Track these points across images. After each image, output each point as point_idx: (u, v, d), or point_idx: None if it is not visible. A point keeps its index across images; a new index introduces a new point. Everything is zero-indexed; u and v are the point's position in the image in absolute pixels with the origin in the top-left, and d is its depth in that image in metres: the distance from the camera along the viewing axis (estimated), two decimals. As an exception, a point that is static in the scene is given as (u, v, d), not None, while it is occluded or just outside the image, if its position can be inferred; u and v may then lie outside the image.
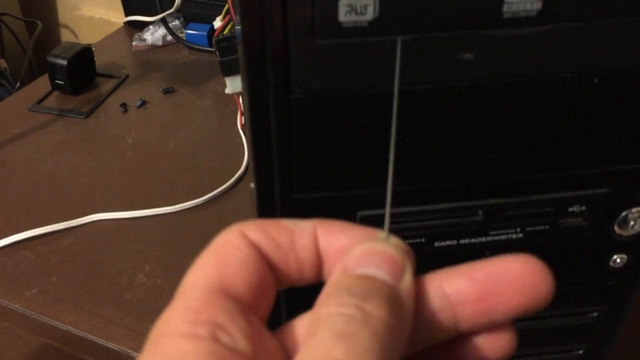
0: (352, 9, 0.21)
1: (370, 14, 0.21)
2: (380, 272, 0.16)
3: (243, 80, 0.24)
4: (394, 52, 0.22)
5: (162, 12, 0.87)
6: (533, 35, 0.22)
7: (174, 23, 0.92)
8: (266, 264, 0.17)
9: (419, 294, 0.17)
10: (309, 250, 0.18)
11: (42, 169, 0.69)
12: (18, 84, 0.97)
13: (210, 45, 0.89)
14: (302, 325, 0.18)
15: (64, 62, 0.77)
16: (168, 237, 0.60)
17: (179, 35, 0.91)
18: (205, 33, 0.90)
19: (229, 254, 0.17)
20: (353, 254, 0.17)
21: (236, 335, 0.15)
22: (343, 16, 0.21)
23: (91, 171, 0.69)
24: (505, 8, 0.21)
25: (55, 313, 0.53)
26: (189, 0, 0.87)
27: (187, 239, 0.60)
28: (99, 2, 1.22)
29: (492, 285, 0.17)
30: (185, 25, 0.92)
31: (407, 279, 0.17)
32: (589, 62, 0.24)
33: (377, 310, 0.15)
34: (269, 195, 0.26)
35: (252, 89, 0.23)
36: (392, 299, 0.16)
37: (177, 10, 0.85)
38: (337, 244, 0.18)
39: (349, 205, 0.27)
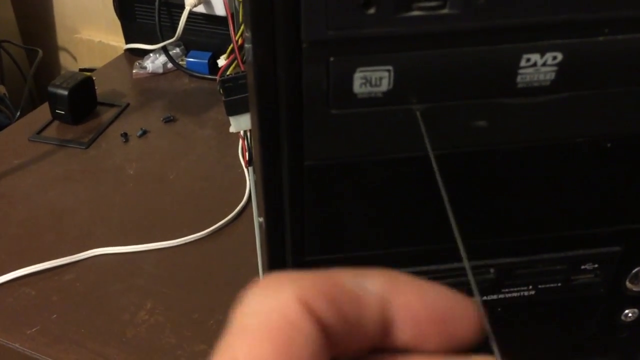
0: (367, 81, 0.21)
1: (384, 86, 0.21)
2: None
3: (256, 146, 0.24)
4: (409, 121, 0.22)
5: (163, 40, 0.87)
6: (546, 103, 0.22)
7: (174, 51, 0.92)
8: (325, 343, 0.14)
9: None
10: (377, 324, 0.15)
11: (43, 201, 0.69)
12: (18, 113, 0.97)
13: (211, 73, 0.90)
14: None
15: (65, 93, 0.77)
16: (170, 272, 0.60)
17: (180, 63, 0.91)
18: (206, 61, 0.90)
19: (288, 340, 0.13)
20: None
21: None
22: (358, 88, 0.21)
23: (92, 203, 0.68)
24: (519, 79, 0.21)
25: (56, 352, 0.52)
26: (189, 28, 0.87)
27: (189, 274, 0.60)
28: (98, 25, 1.22)
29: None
30: (186, 53, 0.93)
31: None
32: (601, 128, 0.24)
33: None
34: (280, 257, 0.26)
35: (265, 157, 0.23)
36: None
37: (178, 39, 0.85)
38: (410, 311, 0.15)
39: (360, 266, 0.27)
